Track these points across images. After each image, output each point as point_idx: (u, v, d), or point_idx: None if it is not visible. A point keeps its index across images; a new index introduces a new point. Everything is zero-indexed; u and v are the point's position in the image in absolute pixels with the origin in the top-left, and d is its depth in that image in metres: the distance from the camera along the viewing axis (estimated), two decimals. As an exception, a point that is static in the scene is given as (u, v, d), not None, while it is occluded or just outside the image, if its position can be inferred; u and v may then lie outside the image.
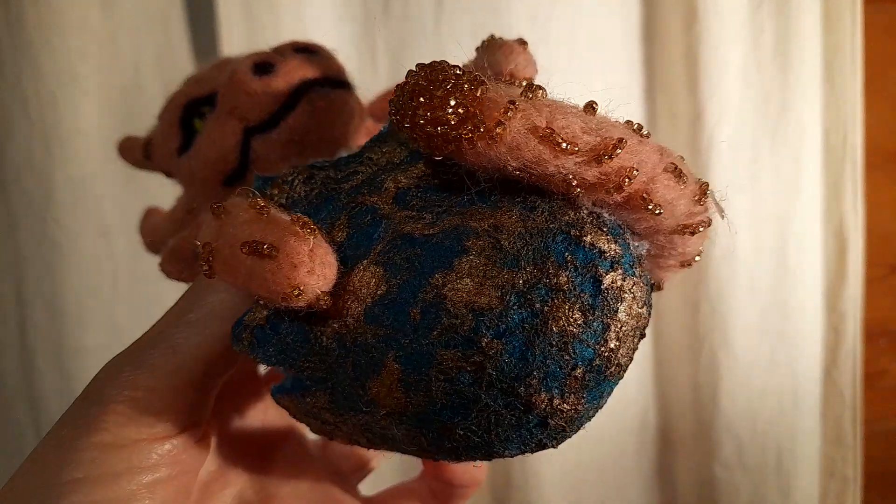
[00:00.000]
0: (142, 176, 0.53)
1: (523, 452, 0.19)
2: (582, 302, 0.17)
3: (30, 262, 0.51)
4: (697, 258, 0.21)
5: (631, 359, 0.18)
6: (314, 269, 0.18)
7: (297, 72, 0.25)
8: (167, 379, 0.20)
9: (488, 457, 0.19)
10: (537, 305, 0.17)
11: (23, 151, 0.49)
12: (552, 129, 0.17)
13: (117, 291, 0.52)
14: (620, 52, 0.62)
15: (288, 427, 0.29)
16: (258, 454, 0.27)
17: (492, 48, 0.24)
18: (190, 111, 0.27)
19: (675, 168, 0.18)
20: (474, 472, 0.27)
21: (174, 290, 0.59)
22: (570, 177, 0.17)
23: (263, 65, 0.25)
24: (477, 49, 0.25)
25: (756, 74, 0.62)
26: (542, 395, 0.17)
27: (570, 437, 0.19)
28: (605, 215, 0.18)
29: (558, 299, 0.17)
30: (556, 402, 0.17)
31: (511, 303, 0.17)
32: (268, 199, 0.20)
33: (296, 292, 0.18)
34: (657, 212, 0.18)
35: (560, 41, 0.59)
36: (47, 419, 0.52)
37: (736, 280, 0.63)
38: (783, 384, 0.65)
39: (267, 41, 0.52)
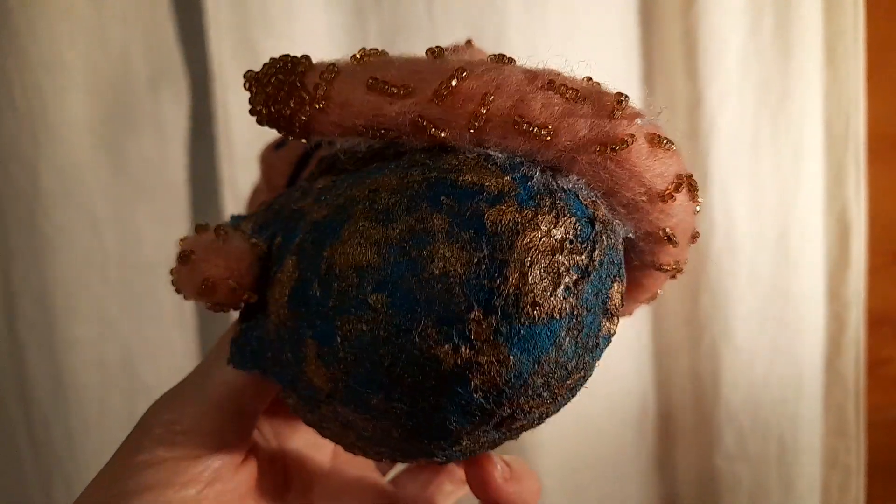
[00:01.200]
0: (131, 166, 0.53)
1: (474, 424, 0.18)
2: (463, 240, 0.16)
3: (18, 253, 0.50)
4: (684, 185, 0.19)
5: (570, 300, 0.17)
6: (220, 262, 0.20)
7: None
8: (197, 404, 0.22)
9: (446, 436, 0.18)
10: (413, 252, 0.16)
11: (9, 141, 0.49)
12: (376, 77, 0.17)
13: (107, 283, 0.52)
14: (617, 37, 0.61)
15: (363, 469, 0.29)
16: (330, 495, 0.27)
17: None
18: None
19: (555, 84, 0.17)
20: (527, 498, 0.25)
21: (164, 282, 0.59)
22: (418, 118, 0.17)
23: (282, 140, 0.28)
24: None
25: (756, 59, 0.61)
26: (445, 346, 0.16)
27: (521, 402, 0.18)
28: (496, 153, 0.18)
29: (434, 241, 0.16)
30: (466, 351, 0.16)
31: (387, 254, 0.17)
32: (236, 228, 0.23)
33: (205, 285, 0.20)
34: (543, 133, 0.17)
35: (555, 26, 0.58)
36: (38, 412, 0.52)
37: (736, 268, 0.62)
38: (785, 373, 0.64)
39: (255, 30, 0.51)
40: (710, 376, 0.63)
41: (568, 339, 0.17)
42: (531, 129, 0.17)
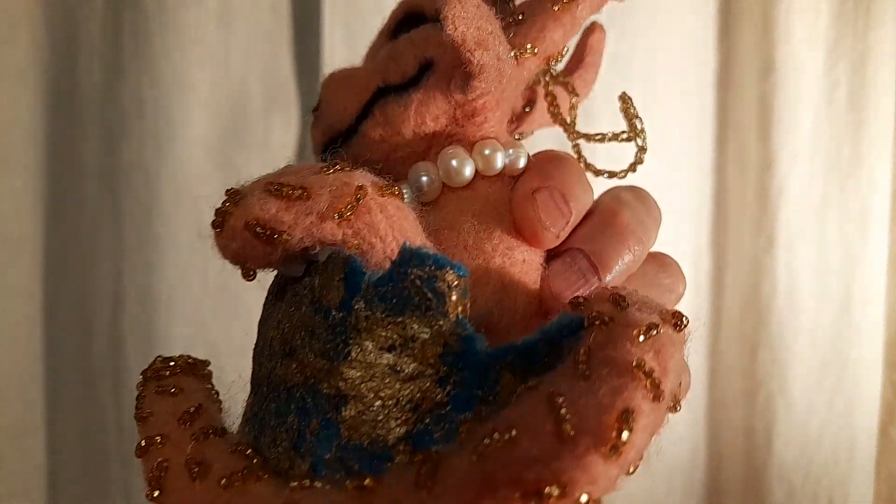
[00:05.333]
0: (239, 182, 0.57)
1: None
2: None
3: (129, 252, 0.54)
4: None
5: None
6: None
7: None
8: None
9: None
10: None
11: (135, 151, 0.53)
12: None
13: (206, 288, 0.56)
14: (694, 97, 0.64)
15: None
16: None
17: None
18: None
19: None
20: None
21: (256, 292, 0.62)
22: None
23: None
24: None
25: (829, 127, 0.63)
26: None
27: None
28: None
29: None
30: None
31: None
32: None
33: None
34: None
35: (636, 81, 0.61)
36: (129, 401, 0.55)
37: (797, 327, 0.63)
38: (839, 435, 0.64)
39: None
40: (763, 431, 0.64)
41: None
42: None
